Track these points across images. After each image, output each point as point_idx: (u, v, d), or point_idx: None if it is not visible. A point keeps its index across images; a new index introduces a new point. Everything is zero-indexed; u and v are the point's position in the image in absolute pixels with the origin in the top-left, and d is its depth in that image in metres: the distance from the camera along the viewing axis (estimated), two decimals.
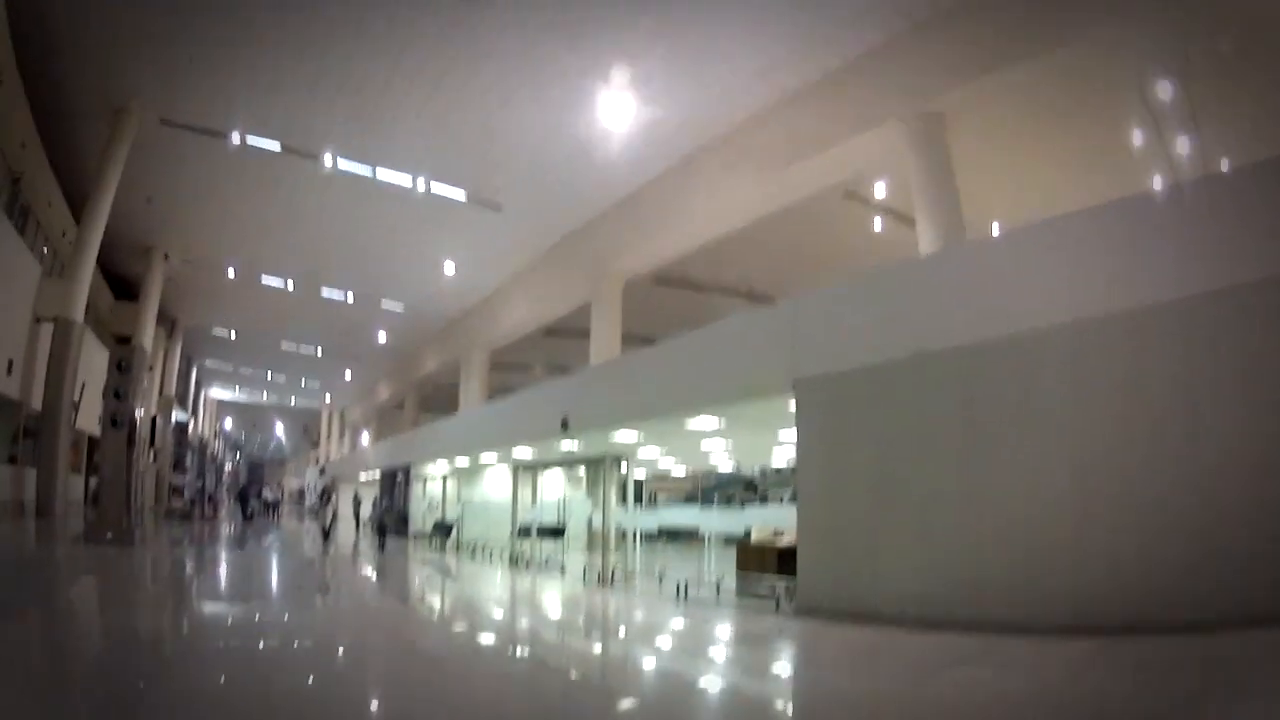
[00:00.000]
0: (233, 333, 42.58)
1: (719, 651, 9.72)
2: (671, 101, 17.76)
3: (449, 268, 28.90)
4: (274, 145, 21.33)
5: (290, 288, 33.02)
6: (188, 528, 25.75)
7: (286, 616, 11.03)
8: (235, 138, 20.83)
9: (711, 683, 7.82)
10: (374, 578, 18.10)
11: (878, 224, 20.98)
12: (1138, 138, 15.27)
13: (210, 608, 11.26)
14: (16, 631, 7.73)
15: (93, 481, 24.95)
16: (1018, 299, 9.82)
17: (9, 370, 20.26)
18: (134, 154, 20.85)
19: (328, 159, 21.77)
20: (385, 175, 22.66)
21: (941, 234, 14.56)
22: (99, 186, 20.92)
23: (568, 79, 17.31)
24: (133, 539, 17.31)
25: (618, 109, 17.87)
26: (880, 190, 19.72)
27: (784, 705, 7.19)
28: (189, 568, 16.33)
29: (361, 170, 22.42)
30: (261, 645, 8.66)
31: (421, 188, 22.99)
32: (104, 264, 27.07)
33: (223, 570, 16.55)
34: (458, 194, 23.49)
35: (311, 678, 7.03)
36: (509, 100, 18.29)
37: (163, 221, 27.27)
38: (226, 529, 28.00)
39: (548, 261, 27.22)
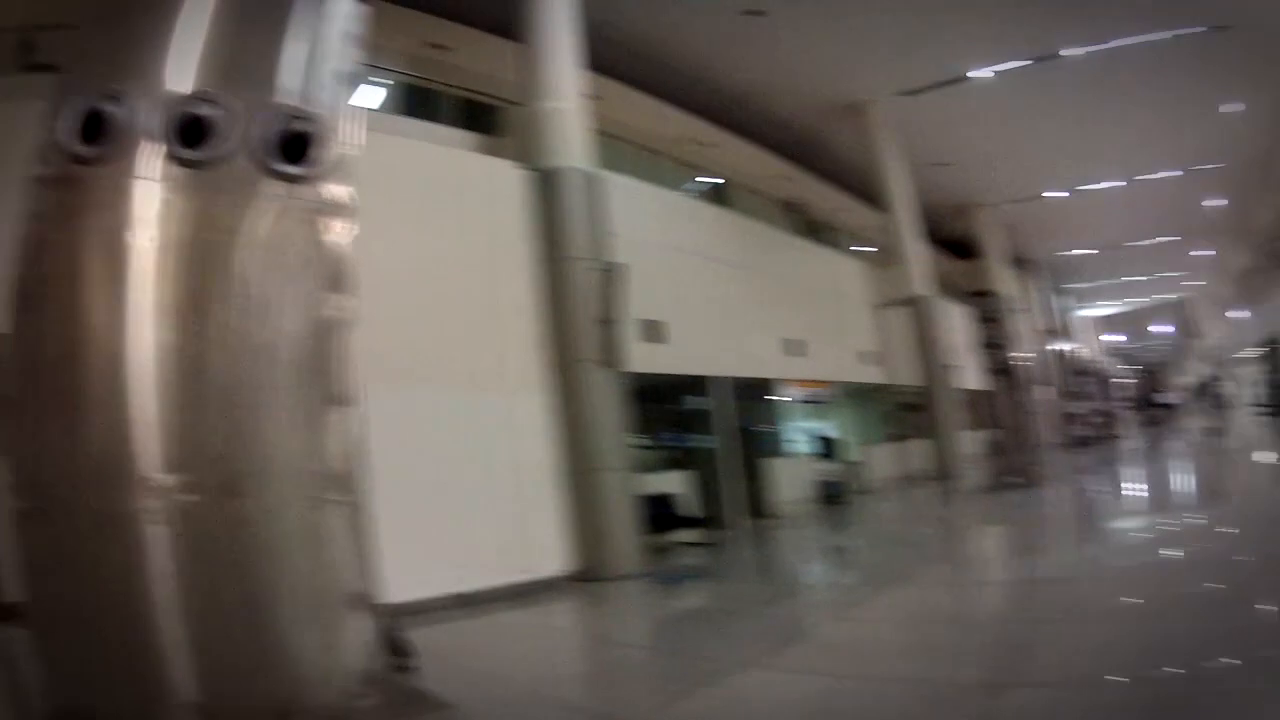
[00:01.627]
0: (1084, 250, 40.64)
1: None
2: None
3: (1234, 108, 23.40)
4: (1015, 64, 19.60)
5: (1110, 186, 30.10)
6: (1092, 452, 24.63)
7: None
8: (978, 74, 19.75)
9: None
10: None
11: None
12: None
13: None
14: None
15: (990, 434, 25.53)
16: None
17: (868, 361, 21.65)
18: (903, 128, 21.38)
19: (1071, 52, 19.22)
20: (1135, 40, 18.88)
21: None
22: (884, 176, 21.96)
23: None
24: (1038, 477, 16.93)
25: None
26: None
27: None
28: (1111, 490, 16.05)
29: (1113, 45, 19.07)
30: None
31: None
32: (941, 233, 28.25)
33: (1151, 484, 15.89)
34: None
35: None
36: None
37: (966, 176, 27.05)
38: (1133, 444, 25.98)
39: None
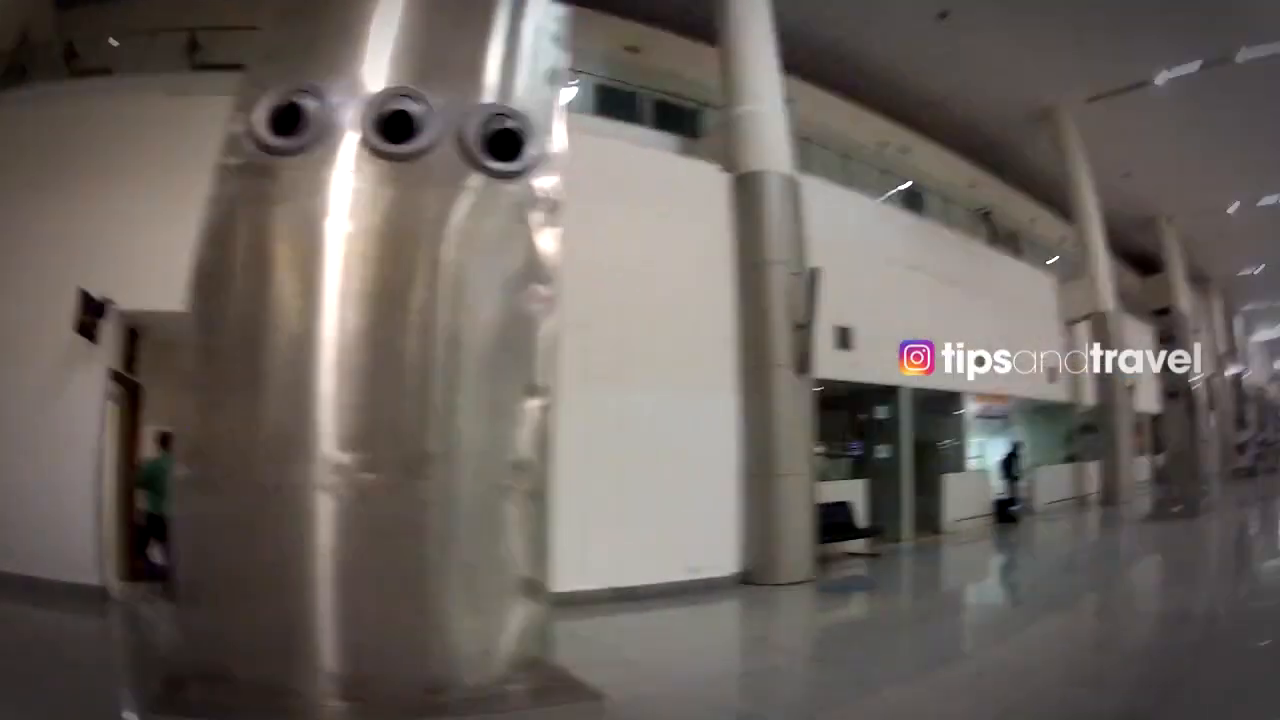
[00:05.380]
0: (1260, 267, 37.64)
1: None
2: None
3: None
4: (1192, 68, 18.59)
5: None
6: (1253, 486, 23.17)
7: None
8: (1168, 77, 18.81)
9: None
10: None
11: None
12: None
13: None
14: None
15: (1159, 460, 24.31)
16: None
17: (1052, 377, 20.43)
18: (1089, 137, 20.74)
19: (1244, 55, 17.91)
20: None
21: None
22: (1071, 185, 21.34)
23: None
24: (1196, 509, 16.41)
25: None
26: None
27: None
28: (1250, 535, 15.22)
29: None
30: None
31: None
32: (1123, 246, 26.85)
33: None
34: None
35: None
36: None
37: (1149, 187, 25.86)
38: None
39: None
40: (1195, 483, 16.47)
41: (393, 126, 4.13)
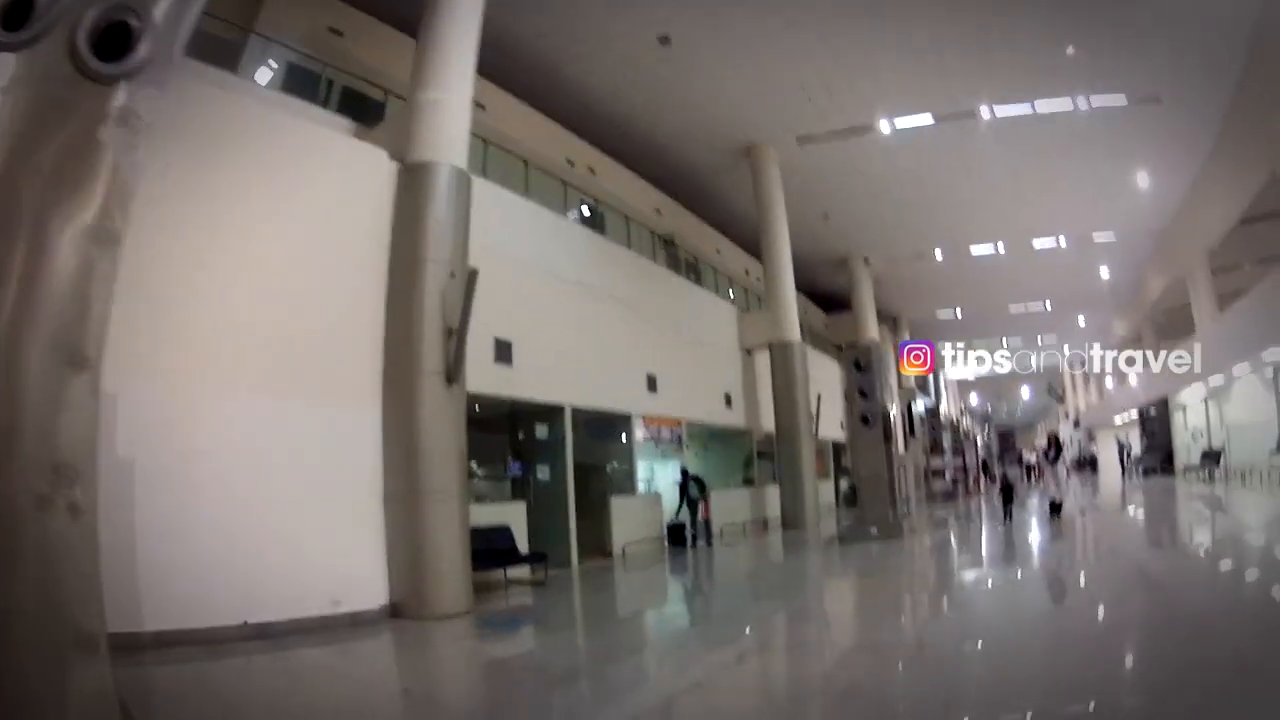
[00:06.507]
0: (958, 311, 42.01)
1: None
2: None
3: (1138, 181, 24.79)
4: (925, 119, 20.26)
5: (1000, 251, 31.35)
6: (951, 508, 26.04)
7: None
8: (884, 127, 20.27)
9: None
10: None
11: None
12: None
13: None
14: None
15: (844, 484, 26.11)
16: None
17: (728, 404, 21.41)
18: (792, 177, 21.66)
19: (985, 112, 19.95)
20: (1045, 106, 19.97)
21: None
22: (765, 221, 22.01)
23: None
24: (900, 531, 17.03)
25: None
26: None
27: None
28: (959, 553, 15.84)
29: (1020, 111, 20.07)
30: None
31: (1083, 105, 19.77)
32: (810, 284, 28.76)
33: (1003, 548, 15.65)
34: (1116, 100, 19.62)
35: None
36: None
37: (848, 229, 27.62)
38: (990, 503, 27.04)
39: (1222, 150, 21.79)
40: (889, 506, 17.30)
41: (13, 12, 3.58)
